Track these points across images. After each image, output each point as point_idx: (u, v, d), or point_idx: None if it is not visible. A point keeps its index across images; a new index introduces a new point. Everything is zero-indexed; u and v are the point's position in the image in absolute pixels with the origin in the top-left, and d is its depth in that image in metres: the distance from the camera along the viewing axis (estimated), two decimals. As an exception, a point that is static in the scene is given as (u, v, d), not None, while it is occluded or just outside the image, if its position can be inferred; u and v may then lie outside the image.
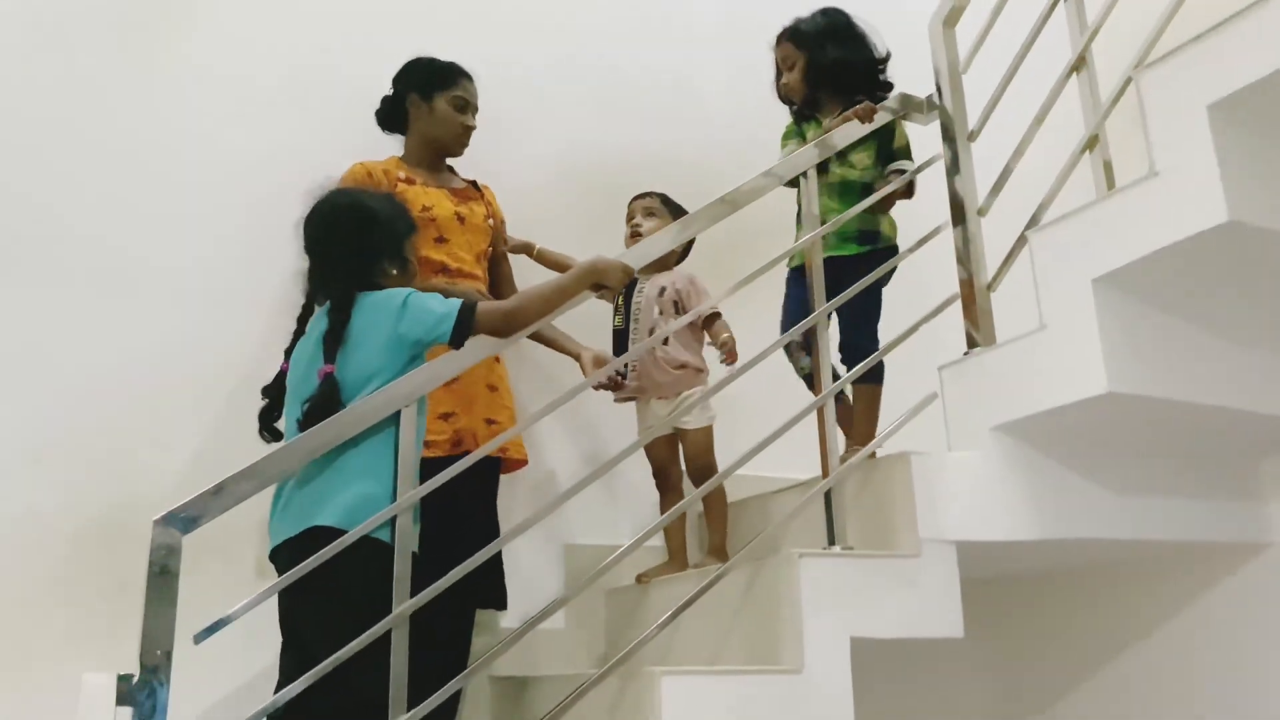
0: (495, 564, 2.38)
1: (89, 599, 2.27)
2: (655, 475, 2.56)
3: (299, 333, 1.94)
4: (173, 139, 2.61)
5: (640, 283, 2.56)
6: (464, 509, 2.23)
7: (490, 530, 2.36)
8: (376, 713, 1.62)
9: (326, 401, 1.74)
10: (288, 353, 1.93)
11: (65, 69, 2.55)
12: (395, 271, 1.95)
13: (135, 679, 1.43)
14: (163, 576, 1.49)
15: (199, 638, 1.51)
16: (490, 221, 2.58)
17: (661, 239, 2.25)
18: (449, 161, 2.63)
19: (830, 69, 2.49)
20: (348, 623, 1.63)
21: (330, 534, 1.68)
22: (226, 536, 1.95)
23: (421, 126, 2.55)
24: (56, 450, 2.34)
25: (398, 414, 1.76)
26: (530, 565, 2.66)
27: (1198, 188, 1.79)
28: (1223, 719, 2.43)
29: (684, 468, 2.54)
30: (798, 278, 2.43)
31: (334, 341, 1.79)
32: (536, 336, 2.47)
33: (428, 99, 2.53)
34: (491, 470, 2.41)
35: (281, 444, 1.79)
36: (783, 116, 2.67)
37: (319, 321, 1.88)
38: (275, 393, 1.91)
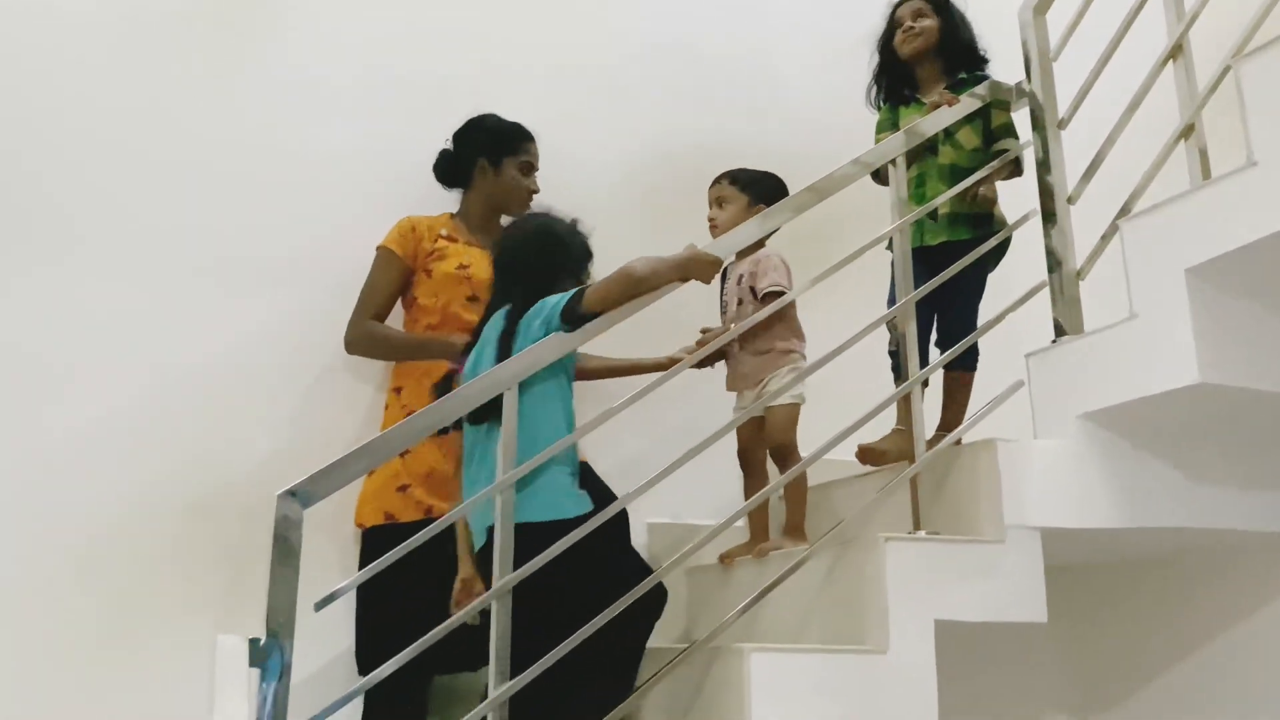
0: None
1: (197, 569, 2.39)
2: (740, 456, 2.58)
3: (475, 336, 2.12)
4: (257, 136, 2.70)
5: (730, 271, 2.57)
6: None
7: None
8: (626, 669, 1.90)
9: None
10: (463, 354, 2.11)
11: (154, 65, 2.65)
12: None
13: (262, 642, 1.52)
14: (285, 547, 1.58)
15: (319, 605, 1.61)
16: None
17: (747, 228, 2.26)
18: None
19: (959, 33, 2.51)
20: (584, 600, 1.79)
21: (534, 528, 1.83)
22: (329, 508, 2.07)
23: (486, 190, 2.59)
24: (163, 432, 2.46)
25: (567, 401, 1.98)
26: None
27: (1298, 178, 1.78)
28: (1310, 712, 2.43)
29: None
30: (919, 256, 2.36)
31: (507, 342, 1.99)
32: (614, 372, 2.57)
33: (495, 164, 2.58)
34: None
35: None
36: (859, 103, 2.69)
37: (495, 324, 2.06)
38: (444, 390, 2.04)
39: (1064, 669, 2.94)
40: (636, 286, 2.00)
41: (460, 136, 2.62)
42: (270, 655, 1.50)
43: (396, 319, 2.57)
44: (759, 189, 2.56)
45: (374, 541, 2.36)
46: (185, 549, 2.40)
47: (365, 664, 2.30)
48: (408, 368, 2.48)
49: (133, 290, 2.51)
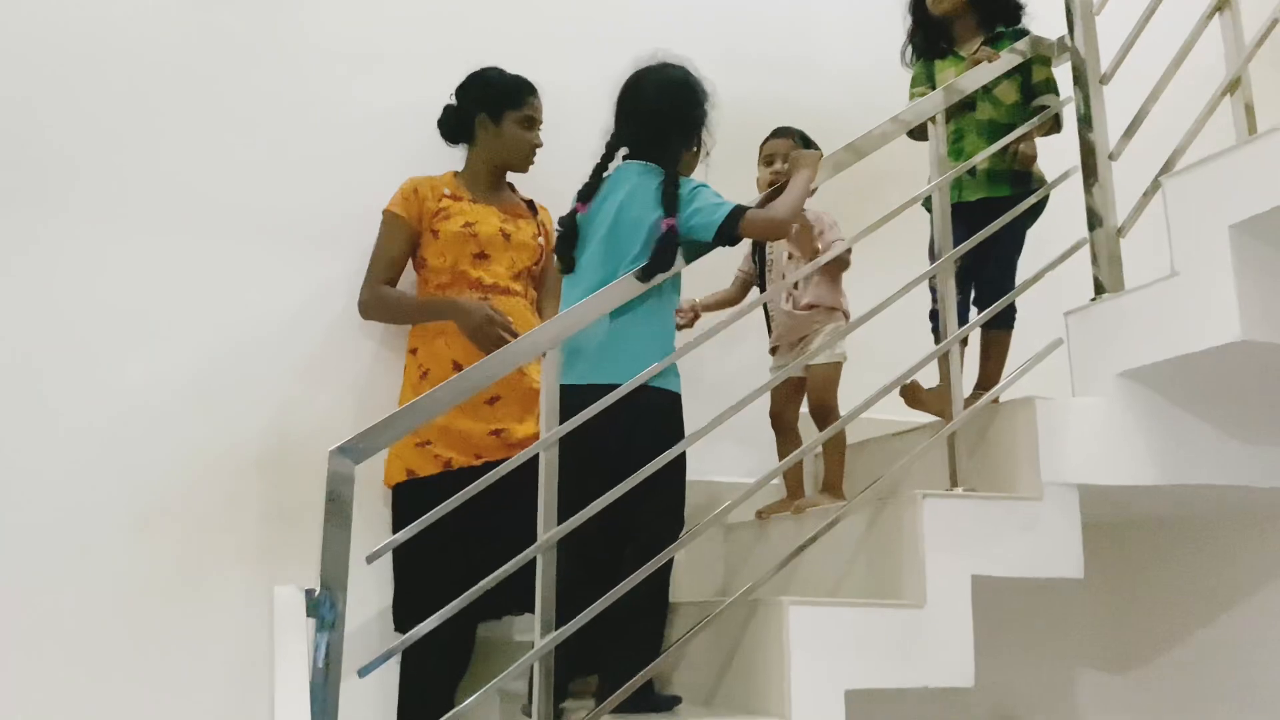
0: None
1: (255, 522, 2.47)
2: (772, 417, 2.60)
3: (594, 182, 2.14)
4: (310, 104, 2.73)
5: None
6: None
7: None
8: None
9: (669, 248, 1.98)
10: (581, 196, 2.13)
11: (199, 23, 2.68)
12: (695, 148, 2.18)
13: (317, 593, 1.58)
14: (337, 503, 1.63)
15: (371, 558, 1.66)
16: (539, 240, 2.60)
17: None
18: (511, 178, 2.66)
19: None
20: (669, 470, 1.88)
21: (648, 393, 1.93)
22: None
23: (488, 145, 2.56)
24: (221, 390, 2.53)
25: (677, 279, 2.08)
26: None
27: (1345, 133, 1.76)
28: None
29: (805, 405, 2.59)
30: (958, 213, 2.38)
31: (672, 198, 2.01)
32: None
33: (496, 119, 2.54)
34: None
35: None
36: (895, 62, 2.67)
37: (643, 175, 2.08)
38: (571, 225, 2.13)
39: (1101, 625, 2.96)
40: (796, 214, 2.12)
41: (462, 91, 2.58)
42: (324, 606, 1.55)
43: (409, 282, 2.61)
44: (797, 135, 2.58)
45: (401, 498, 2.42)
46: (244, 504, 2.48)
47: (403, 616, 2.37)
48: (421, 329, 2.50)
49: (197, 251, 2.56)
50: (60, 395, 2.40)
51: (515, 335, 2.32)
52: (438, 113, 2.63)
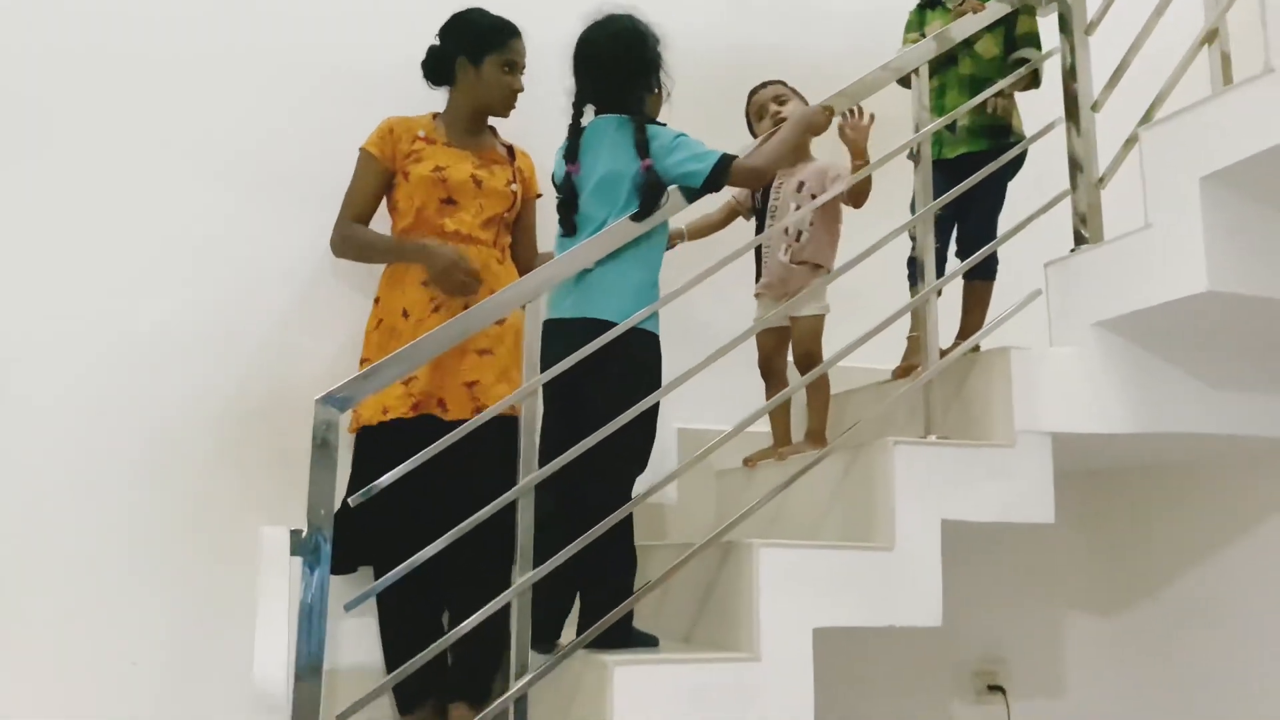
0: None
1: (256, 465, 2.57)
2: (760, 366, 2.66)
3: (574, 141, 2.20)
4: (317, 56, 2.78)
5: (779, 178, 2.58)
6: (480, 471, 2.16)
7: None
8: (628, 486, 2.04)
9: (656, 189, 2.07)
10: (568, 157, 2.19)
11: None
12: (656, 90, 2.22)
13: (303, 534, 1.67)
14: (323, 448, 1.71)
15: (354, 501, 1.75)
16: (513, 188, 2.54)
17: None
18: (494, 122, 2.61)
19: None
20: (629, 401, 1.93)
21: (607, 326, 1.99)
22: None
23: (468, 89, 2.51)
24: (225, 336, 2.62)
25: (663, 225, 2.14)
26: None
27: (1313, 85, 1.77)
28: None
29: (790, 356, 2.65)
30: (940, 168, 2.42)
31: (644, 143, 2.10)
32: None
33: (476, 62, 2.48)
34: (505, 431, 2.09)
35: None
36: (898, 11, 2.67)
37: (620, 129, 2.14)
38: (569, 191, 2.18)
39: (1086, 572, 3.02)
40: (779, 162, 2.19)
41: (444, 32, 2.53)
42: (311, 546, 1.65)
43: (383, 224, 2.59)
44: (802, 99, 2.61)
45: (365, 440, 2.39)
46: (249, 448, 2.57)
47: (347, 556, 2.30)
48: (388, 278, 2.48)
49: (200, 201, 2.64)
50: (69, 339, 2.50)
51: (479, 282, 2.36)
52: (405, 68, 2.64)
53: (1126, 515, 2.94)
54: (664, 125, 2.16)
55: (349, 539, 2.06)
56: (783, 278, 2.55)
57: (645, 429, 2.06)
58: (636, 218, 2.06)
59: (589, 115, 2.21)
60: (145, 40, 2.67)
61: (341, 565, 2.30)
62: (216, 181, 2.66)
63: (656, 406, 2.03)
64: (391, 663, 2.30)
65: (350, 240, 2.48)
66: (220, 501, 2.53)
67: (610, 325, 2.00)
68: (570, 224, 2.18)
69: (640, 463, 2.10)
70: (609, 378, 2.00)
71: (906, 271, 2.51)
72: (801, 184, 2.55)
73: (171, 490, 2.51)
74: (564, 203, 2.18)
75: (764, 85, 2.65)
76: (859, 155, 2.33)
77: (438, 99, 2.59)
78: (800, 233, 2.49)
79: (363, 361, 2.44)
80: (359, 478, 2.32)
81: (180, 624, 2.46)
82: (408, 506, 2.10)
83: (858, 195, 2.43)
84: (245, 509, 2.50)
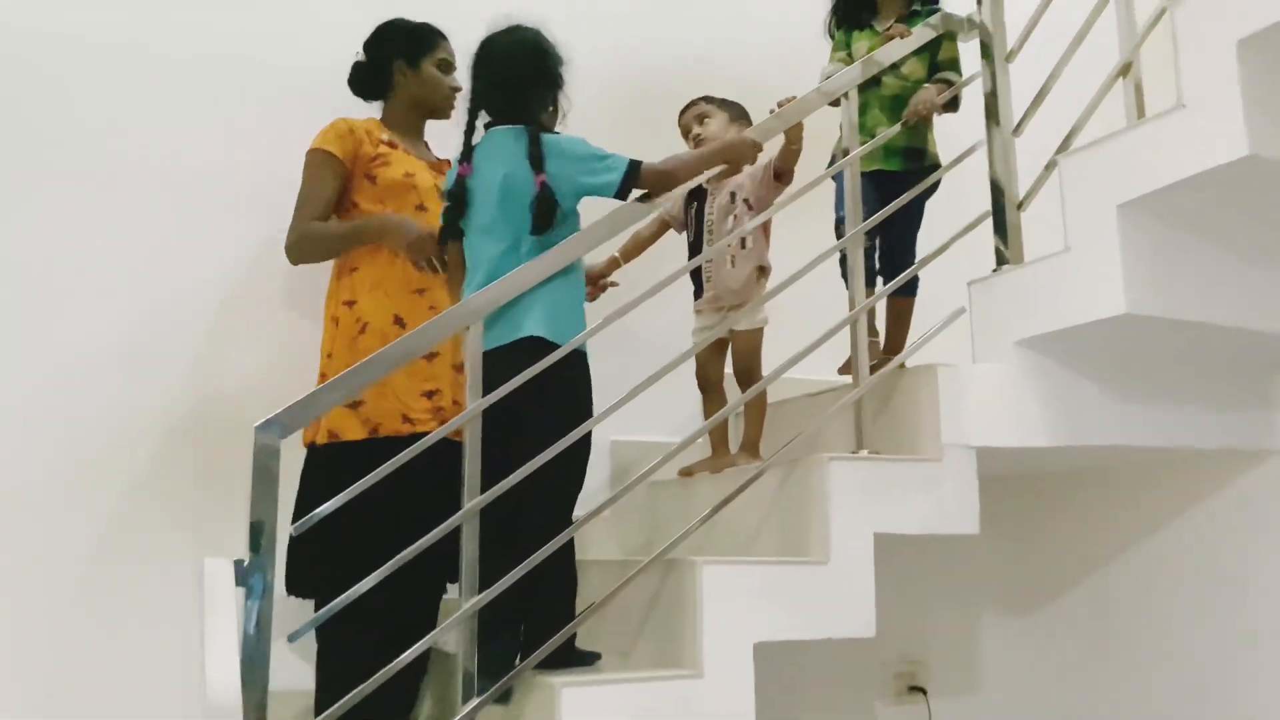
0: None
1: (182, 485, 2.51)
2: (698, 376, 2.70)
3: (467, 147, 2.16)
4: (236, 65, 2.73)
5: (710, 194, 2.62)
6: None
7: None
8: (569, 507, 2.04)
9: (549, 204, 2.05)
10: (463, 158, 2.15)
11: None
12: (552, 108, 2.20)
13: (245, 564, 1.64)
14: (265, 475, 1.68)
15: (297, 529, 1.73)
16: None
17: (771, 122, 2.30)
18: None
19: None
20: (564, 421, 1.94)
21: (538, 342, 1.99)
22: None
23: (410, 92, 2.53)
24: (152, 351, 2.55)
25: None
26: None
27: (1222, 121, 1.87)
28: (1221, 609, 2.63)
29: (728, 367, 2.68)
30: (862, 180, 2.42)
31: (539, 159, 2.07)
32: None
33: (414, 64, 2.51)
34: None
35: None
36: (819, 23, 2.74)
37: (513, 138, 2.10)
38: (460, 194, 2.14)
39: (1001, 575, 3.14)
40: (686, 174, 2.17)
41: (372, 43, 2.55)
42: (253, 576, 1.62)
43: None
44: (732, 108, 2.66)
45: (318, 458, 2.35)
46: (173, 466, 2.52)
47: (300, 581, 2.30)
48: (360, 282, 2.42)
49: (121, 214, 2.57)
50: (-14, 359, 2.41)
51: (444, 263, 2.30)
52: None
53: (1041, 520, 3.07)
54: (558, 134, 2.15)
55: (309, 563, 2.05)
56: (732, 288, 2.58)
57: (581, 447, 2.06)
58: (534, 233, 2.05)
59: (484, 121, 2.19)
60: (61, 50, 2.58)
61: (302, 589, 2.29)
62: (139, 193, 2.60)
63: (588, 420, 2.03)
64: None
65: (309, 238, 2.39)
66: (144, 521, 2.47)
67: (540, 341, 1.99)
68: (457, 229, 2.15)
69: (580, 482, 2.11)
70: (542, 398, 1.99)
71: (835, 232, 2.58)
72: (733, 194, 2.60)
73: (93, 510, 2.44)
74: (453, 206, 2.15)
75: (690, 105, 2.69)
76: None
77: (368, 114, 2.57)
78: (743, 240, 2.53)
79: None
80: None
81: (101, 649, 2.40)
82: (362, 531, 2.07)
83: (784, 173, 2.52)
84: (171, 528, 2.45)
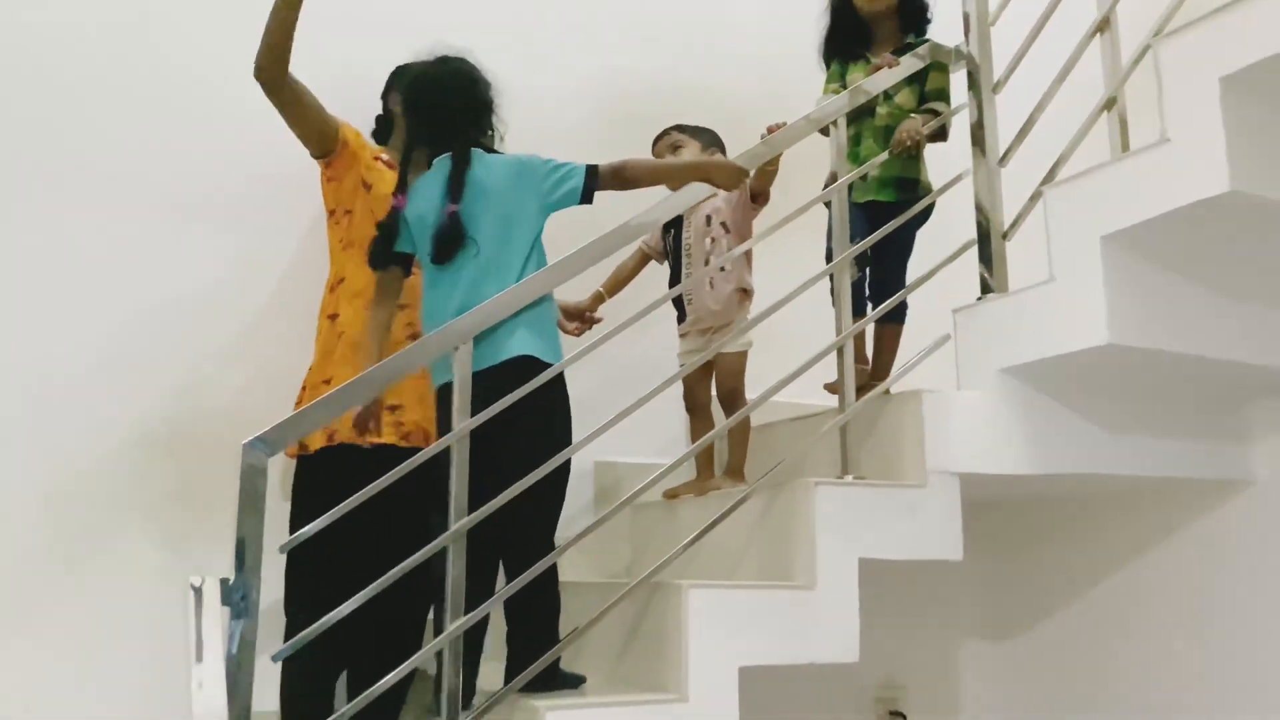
0: None
1: (158, 501, 2.48)
2: (685, 397, 2.71)
3: (403, 177, 2.19)
4: (220, 76, 2.69)
5: (685, 219, 2.64)
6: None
7: None
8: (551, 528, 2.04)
9: (453, 234, 2.04)
10: (397, 193, 2.17)
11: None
12: (490, 131, 2.22)
13: (231, 582, 1.63)
14: (251, 493, 1.67)
15: (284, 548, 1.72)
16: None
17: (760, 149, 2.32)
18: None
19: None
20: (546, 441, 1.96)
21: (527, 361, 1.98)
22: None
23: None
24: (129, 366, 2.53)
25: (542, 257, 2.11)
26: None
27: (1204, 157, 1.90)
28: (1198, 635, 2.66)
29: (713, 389, 2.69)
30: (855, 211, 2.48)
31: (458, 187, 2.07)
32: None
33: None
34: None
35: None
36: (805, 55, 2.76)
37: (440, 167, 2.12)
38: (390, 225, 2.16)
39: (979, 599, 3.16)
40: (653, 178, 2.17)
41: (384, 91, 2.63)
42: (239, 595, 1.61)
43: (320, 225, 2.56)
44: (705, 135, 2.69)
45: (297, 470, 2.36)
46: (154, 482, 2.49)
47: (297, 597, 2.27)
48: (341, 296, 2.42)
49: (102, 228, 2.54)
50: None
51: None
52: (359, 86, 2.62)
53: (1022, 546, 3.09)
54: (519, 156, 2.14)
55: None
56: (713, 309, 2.60)
57: (562, 467, 2.06)
58: (435, 261, 2.06)
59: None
60: (40, 62, 2.56)
61: None
62: (119, 206, 2.57)
63: (570, 441, 2.04)
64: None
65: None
66: (121, 536, 2.44)
67: (531, 360, 2.00)
68: (383, 258, 2.16)
69: (560, 502, 2.10)
70: (523, 419, 1.97)
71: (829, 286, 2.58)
72: (709, 217, 2.62)
73: (70, 524, 2.41)
74: (382, 237, 2.17)
75: (663, 134, 2.71)
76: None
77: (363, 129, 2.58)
78: (722, 265, 2.55)
79: (327, 381, 2.33)
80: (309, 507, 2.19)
81: (76, 663, 2.36)
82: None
83: (760, 194, 2.57)
84: (152, 545, 2.43)
